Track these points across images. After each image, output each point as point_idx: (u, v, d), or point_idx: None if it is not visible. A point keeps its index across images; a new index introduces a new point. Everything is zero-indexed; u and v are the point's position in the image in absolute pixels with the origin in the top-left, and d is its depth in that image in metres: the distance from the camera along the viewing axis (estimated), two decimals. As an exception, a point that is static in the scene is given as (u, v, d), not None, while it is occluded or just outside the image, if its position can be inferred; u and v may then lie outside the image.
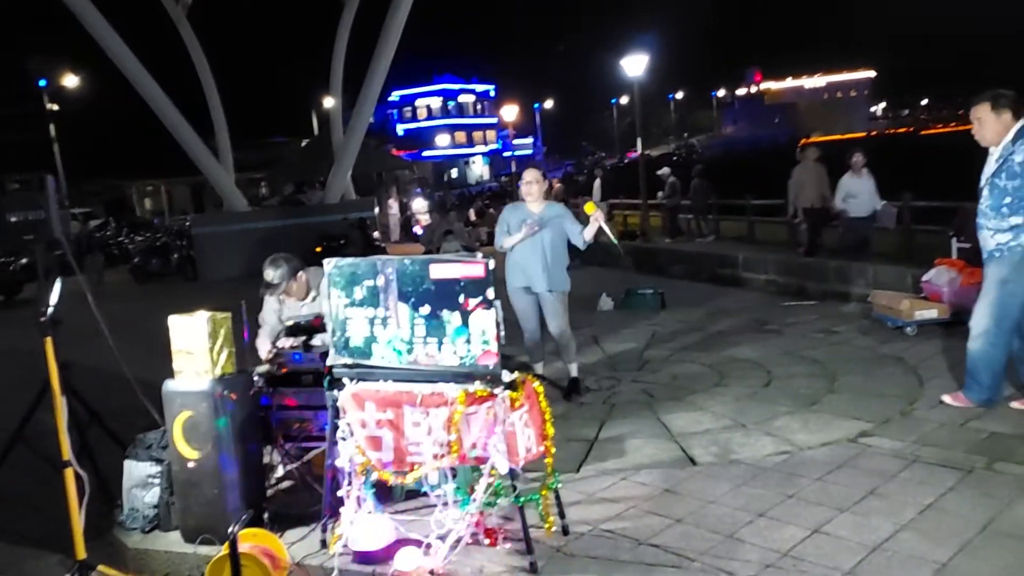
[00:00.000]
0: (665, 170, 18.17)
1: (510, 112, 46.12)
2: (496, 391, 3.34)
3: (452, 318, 3.39)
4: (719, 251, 12.30)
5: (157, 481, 4.12)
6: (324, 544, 3.74)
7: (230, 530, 3.13)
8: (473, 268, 3.34)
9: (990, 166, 4.56)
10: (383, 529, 3.62)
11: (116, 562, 3.73)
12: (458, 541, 3.41)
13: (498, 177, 60.40)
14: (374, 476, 3.62)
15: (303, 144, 34.82)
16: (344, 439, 3.60)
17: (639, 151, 18.27)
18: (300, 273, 4.74)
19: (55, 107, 29.29)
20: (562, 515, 3.71)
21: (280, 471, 4.33)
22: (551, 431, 3.64)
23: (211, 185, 19.87)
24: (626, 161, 64.71)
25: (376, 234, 18.24)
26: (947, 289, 6.82)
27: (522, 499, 3.42)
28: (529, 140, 75.46)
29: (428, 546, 3.42)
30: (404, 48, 17.58)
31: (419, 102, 76.45)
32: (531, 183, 5.73)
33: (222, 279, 15.69)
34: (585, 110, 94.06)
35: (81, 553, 3.36)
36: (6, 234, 4.00)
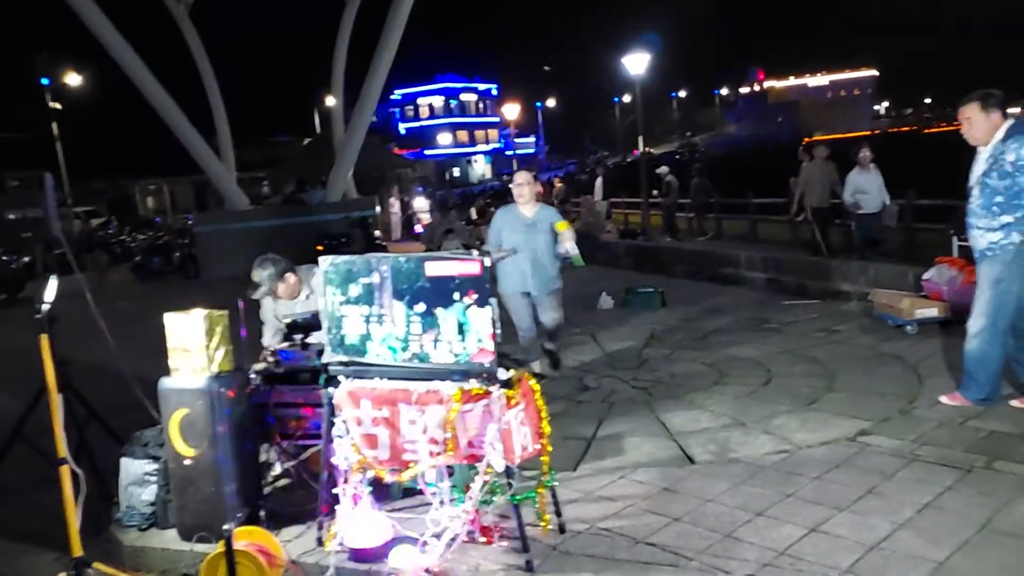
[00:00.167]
0: (663, 169, 18.16)
1: (512, 111, 46.11)
2: (492, 389, 3.33)
3: (447, 315, 3.38)
4: (720, 250, 12.28)
5: (154, 479, 4.12)
6: (320, 542, 3.74)
7: (225, 528, 3.12)
8: (469, 265, 3.33)
9: (980, 165, 4.57)
10: (379, 527, 3.62)
11: (113, 559, 3.73)
12: (454, 539, 3.40)
13: (500, 176, 60.38)
14: (370, 474, 3.61)
15: (305, 143, 34.86)
16: (340, 437, 3.60)
17: (641, 149, 18.27)
18: (288, 274, 4.70)
19: (58, 106, 29.33)
20: (559, 513, 3.70)
21: (277, 469, 4.33)
22: (547, 429, 3.63)
23: (214, 184, 19.88)
24: (628, 160, 64.64)
25: (377, 233, 18.24)
26: (948, 288, 6.79)
27: (518, 497, 3.41)
28: (531, 139, 75.51)
29: (424, 544, 3.42)
30: (406, 47, 17.60)
31: (421, 101, 76.54)
32: (522, 185, 5.84)
33: (224, 277, 15.66)
34: (588, 109, 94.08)
35: (77, 550, 3.36)
36: (4, 231, 4.01)
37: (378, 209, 20.50)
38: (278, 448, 4.22)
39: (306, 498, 4.02)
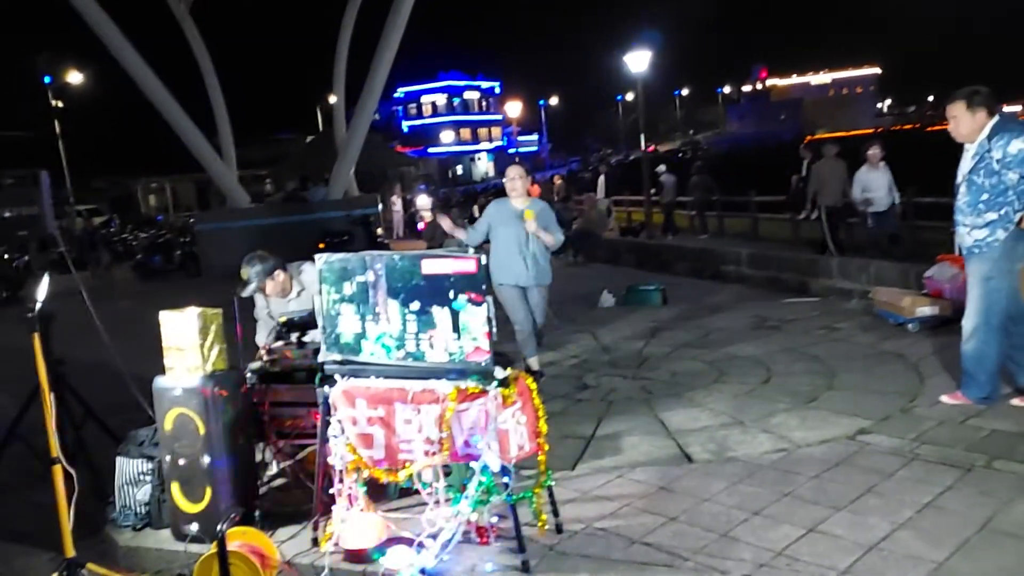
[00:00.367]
0: (661, 168, 18.13)
1: (515, 109, 46.09)
2: (488, 388, 3.31)
3: (442, 314, 3.35)
4: (721, 247, 12.23)
5: (149, 478, 4.10)
6: (315, 542, 3.71)
7: (218, 528, 3.10)
8: (464, 263, 3.31)
9: (966, 163, 4.59)
10: (374, 527, 3.59)
11: (107, 560, 3.70)
12: (450, 540, 3.38)
13: (503, 174, 60.28)
14: (366, 474, 3.59)
15: (308, 140, 34.85)
16: (335, 436, 3.58)
17: (643, 147, 18.24)
18: (277, 271, 4.66)
19: (60, 104, 29.36)
20: (556, 513, 3.68)
21: (273, 468, 4.31)
22: (544, 428, 3.60)
23: (215, 182, 19.86)
24: (631, 158, 64.56)
25: (380, 231, 18.21)
26: (949, 285, 6.76)
27: (515, 497, 3.39)
28: (534, 137, 75.48)
29: (420, 544, 3.39)
30: (409, 45, 17.56)
31: (424, 99, 76.53)
32: (515, 179, 6.02)
33: (225, 275, 15.62)
34: (591, 107, 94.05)
35: (70, 551, 3.34)
36: (0, 229, 3.99)
37: (380, 207, 20.46)
38: (273, 447, 4.19)
39: (302, 498, 4.00)
